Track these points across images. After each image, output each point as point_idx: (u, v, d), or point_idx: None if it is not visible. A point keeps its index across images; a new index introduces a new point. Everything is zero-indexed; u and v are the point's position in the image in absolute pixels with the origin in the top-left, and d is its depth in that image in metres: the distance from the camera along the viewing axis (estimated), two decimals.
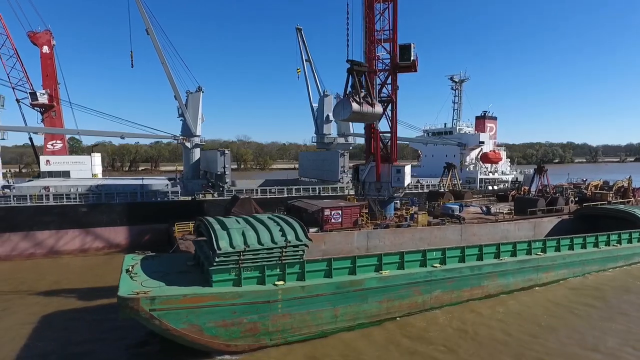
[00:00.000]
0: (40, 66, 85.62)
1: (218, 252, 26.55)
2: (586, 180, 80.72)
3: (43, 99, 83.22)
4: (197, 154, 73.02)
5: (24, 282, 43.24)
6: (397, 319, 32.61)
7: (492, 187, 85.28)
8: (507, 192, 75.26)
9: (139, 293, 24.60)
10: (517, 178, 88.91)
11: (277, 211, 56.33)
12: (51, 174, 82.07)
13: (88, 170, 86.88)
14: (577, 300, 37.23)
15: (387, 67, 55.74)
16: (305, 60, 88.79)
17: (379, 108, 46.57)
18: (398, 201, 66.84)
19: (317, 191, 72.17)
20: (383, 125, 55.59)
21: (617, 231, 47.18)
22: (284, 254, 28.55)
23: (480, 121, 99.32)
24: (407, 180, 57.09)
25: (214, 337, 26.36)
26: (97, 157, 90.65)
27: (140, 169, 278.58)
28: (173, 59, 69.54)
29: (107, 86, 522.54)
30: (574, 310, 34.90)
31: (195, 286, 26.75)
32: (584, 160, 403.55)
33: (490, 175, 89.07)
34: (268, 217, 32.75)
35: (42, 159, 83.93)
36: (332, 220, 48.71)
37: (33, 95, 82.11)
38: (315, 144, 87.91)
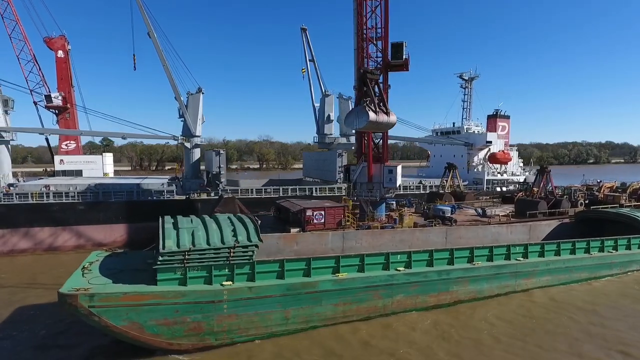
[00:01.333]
0: (55, 70, 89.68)
1: (162, 251, 26.85)
2: (600, 181, 76.38)
3: (57, 101, 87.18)
4: (197, 154, 74.34)
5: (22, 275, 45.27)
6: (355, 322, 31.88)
7: (501, 189, 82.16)
8: (514, 194, 72.28)
9: (78, 290, 25.19)
10: (526, 179, 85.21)
11: (270, 210, 56.72)
12: (65, 173, 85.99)
13: (99, 169, 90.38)
14: (548, 312, 34.76)
15: (378, 66, 54.71)
16: (309, 60, 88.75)
17: (393, 117, 45.41)
18: (394, 202, 65.71)
19: (313, 191, 71.85)
20: None
21: (613, 236, 44.37)
22: (232, 254, 28.51)
23: (492, 120, 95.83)
24: (399, 180, 55.96)
25: (156, 335, 26.63)
26: (108, 157, 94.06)
27: (166, 168, 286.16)
28: (174, 60, 71.21)
29: (107, 87, 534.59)
30: (537, 323, 32.49)
31: (141, 284, 27.11)
32: (622, 160, 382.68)
33: (499, 176, 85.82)
34: (226, 218, 32.88)
35: (57, 158, 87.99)
36: (315, 221, 48.27)
37: (48, 98, 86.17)
38: (317, 143, 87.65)
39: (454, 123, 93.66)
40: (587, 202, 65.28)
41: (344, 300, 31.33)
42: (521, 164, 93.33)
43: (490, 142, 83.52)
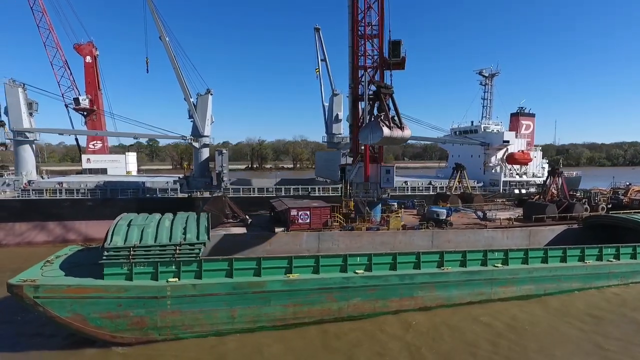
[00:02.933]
0: (83, 74, 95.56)
1: (106, 246, 27.83)
2: (630, 184, 70.12)
3: (85, 104, 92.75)
4: (205, 153, 76.20)
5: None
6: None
7: (520, 191, 77.60)
8: (530, 196, 68.08)
9: (26, 281, 26.62)
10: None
11: (268, 209, 57.09)
12: (91, 171, 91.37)
13: (123, 167, 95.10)
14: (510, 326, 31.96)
15: (375, 64, 53.46)
16: (321, 60, 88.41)
17: (408, 131, 44.73)
18: (395, 203, 63.98)
19: (316, 191, 71.54)
20: None
21: (614, 244, 40.58)
22: (177, 252, 28.97)
23: (515, 118, 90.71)
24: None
25: (99, 327, 27.59)
26: (131, 156, 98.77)
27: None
28: (184, 62, 73.54)
29: (117, 87, 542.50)
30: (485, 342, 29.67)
31: (89, 278, 28.19)
32: None
33: (517, 178, 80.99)
34: (184, 216, 33.47)
35: (84, 157, 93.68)
36: (300, 221, 47.96)
37: (76, 100, 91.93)
38: (325, 143, 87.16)
39: (472, 122, 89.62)
40: (609, 206, 60.23)
41: (294, 301, 30.88)
42: (545, 165, 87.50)
43: (508, 141, 78.92)
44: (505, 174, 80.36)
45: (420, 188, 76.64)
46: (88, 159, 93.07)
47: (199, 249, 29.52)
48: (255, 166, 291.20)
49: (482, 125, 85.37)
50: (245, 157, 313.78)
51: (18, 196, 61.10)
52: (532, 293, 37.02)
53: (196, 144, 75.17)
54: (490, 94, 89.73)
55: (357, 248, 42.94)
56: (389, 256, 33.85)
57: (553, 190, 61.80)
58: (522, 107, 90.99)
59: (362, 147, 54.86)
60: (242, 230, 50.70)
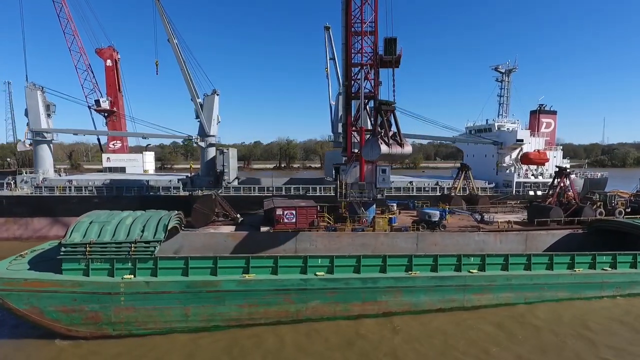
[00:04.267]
0: (104, 77, 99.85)
1: (63, 242, 28.75)
2: None
3: (105, 105, 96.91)
4: (211, 152, 77.46)
5: None
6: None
7: (535, 193, 73.37)
8: (544, 198, 64.15)
9: None
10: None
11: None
12: (111, 170, 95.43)
13: (140, 166, 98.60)
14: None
15: (369, 61, 52.30)
16: (330, 59, 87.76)
17: (408, 148, 44.74)
18: (395, 203, 62.39)
19: (320, 191, 71.01)
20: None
21: (611, 251, 37.42)
22: (133, 249, 29.48)
23: (534, 116, 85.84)
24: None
25: (55, 320, 28.53)
26: (148, 155, 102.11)
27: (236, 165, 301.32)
28: (192, 64, 75.08)
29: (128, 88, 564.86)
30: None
31: (49, 272, 29.22)
32: None
33: (533, 179, 76.50)
34: (148, 214, 34.04)
35: (104, 156, 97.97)
36: (285, 220, 47.88)
37: (97, 102, 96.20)
38: (331, 142, 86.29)
39: (486, 120, 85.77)
40: (628, 210, 55.80)
41: (249, 302, 30.63)
42: (566, 165, 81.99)
43: (521, 140, 74.69)
44: (519, 174, 76.22)
45: (427, 188, 74.24)
46: (108, 158, 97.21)
47: (154, 247, 29.89)
48: (283, 165, 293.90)
49: (496, 124, 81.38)
50: (275, 156, 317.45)
51: (32, 193, 64.67)
52: (511, 302, 34.73)
53: (202, 144, 76.56)
54: (507, 90, 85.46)
55: (335, 249, 42.26)
56: (352, 259, 32.86)
57: (569, 193, 58.03)
58: (542, 105, 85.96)
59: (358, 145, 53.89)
60: (231, 228, 51.19)
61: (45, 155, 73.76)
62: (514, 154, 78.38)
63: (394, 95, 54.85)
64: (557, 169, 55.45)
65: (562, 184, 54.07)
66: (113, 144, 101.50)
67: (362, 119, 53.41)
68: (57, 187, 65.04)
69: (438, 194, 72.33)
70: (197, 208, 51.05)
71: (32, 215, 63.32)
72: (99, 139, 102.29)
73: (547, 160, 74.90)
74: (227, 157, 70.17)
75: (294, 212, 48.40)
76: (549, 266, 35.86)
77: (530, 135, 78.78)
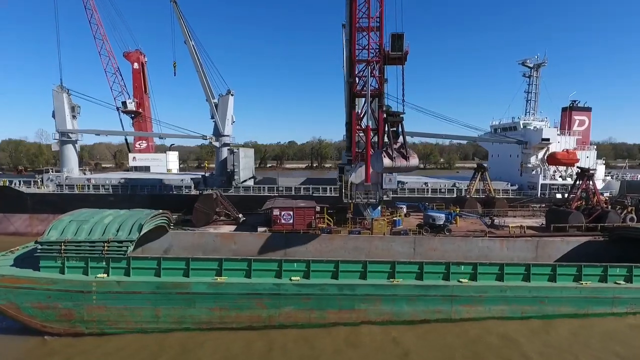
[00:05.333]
0: (131, 79, 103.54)
1: (40, 240, 29.39)
2: None
3: (131, 107, 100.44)
4: (225, 152, 78.10)
5: None
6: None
7: (563, 196, 68.02)
8: (567, 202, 59.34)
9: None
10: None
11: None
12: (136, 169, 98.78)
13: (164, 166, 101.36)
14: None
15: (375, 58, 50.50)
16: (347, 57, 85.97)
17: (414, 160, 43.67)
18: (404, 205, 60.05)
19: (328, 191, 69.71)
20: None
21: (627, 264, 33.52)
22: (105, 248, 29.66)
23: (566, 113, 79.77)
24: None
25: (31, 316, 29.23)
26: (172, 155, 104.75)
27: (268, 165, 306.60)
28: (208, 65, 76.08)
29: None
30: None
31: (29, 269, 29.99)
32: None
33: (560, 181, 70.97)
34: (128, 213, 34.22)
35: (130, 156, 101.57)
36: (282, 221, 47.26)
37: (124, 104, 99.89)
38: (345, 141, 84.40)
39: (512, 118, 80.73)
40: None
41: (220, 305, 30.00)
42: (600, 166, 75.64)
43: (547, 139, 69.40)
44: (545, 176, 71.05)
45: (442, 190, 70.96)
46: (134, 158, 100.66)
47: (127, 247, 29.91)
48: (315, 165, 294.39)
49: (521, 122, 76.32)
50: (308, 156, 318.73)
51: (54, 191, 67.87)
52: (505, 315, 31.85)
53: (217, 144, 77.37)
54: (535, 86, 80.00)
55: (327, 252, 40.91)
56: (330, 263, 31.40)
57: (601, 197, 53.36)
58: (574, 101, 79.80)
59: (363, 145, 52.20)
60: (232, 228, 51.08)
61: (71, 154, 77.28)
62: (540, 154, 73.18)
63: (402, 94, 52.79)
64: (578, 170, 50.85)
65: (583, 187, 49.55)
66: (139, 144, 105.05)
67: (368, 117, 51.55)
68: (76, 186, 67.86)
69: (455, 195, 68.90)
70: (197, 207, 51.29)
71: (53, 212, 66.25)
72: (126, 139, 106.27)
73: (577, 160, 69.22)
74: (238, 157, 70.40)
75: (291, 212, 47.57)
76: (552, 277, 32.60)
77: (560, 133, 73.27)
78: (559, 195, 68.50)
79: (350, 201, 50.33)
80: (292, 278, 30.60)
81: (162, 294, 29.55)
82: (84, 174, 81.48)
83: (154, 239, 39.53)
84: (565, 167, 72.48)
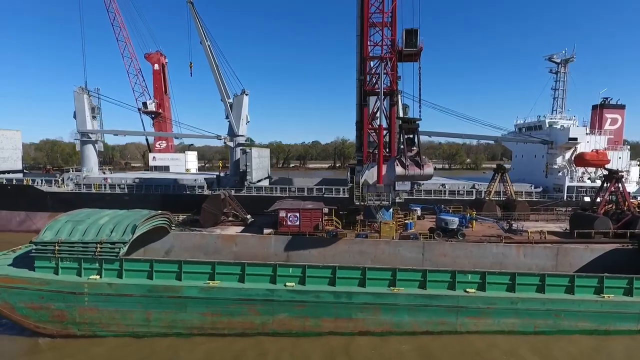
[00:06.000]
0: (152, 80, 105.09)
1: (34, 240, 29.29)
2: None
3: (152, 107, 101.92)
4: (239, 152, 77.74)
5: None
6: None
7: (592, 199, 63.70)
8: (593, 206, 55.16)
9: None
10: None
11: None
12: (156, 168, 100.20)
13: (183, 165, 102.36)
14: None
15: (388, 54, 48.73)
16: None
17: (428, 169, 42.52)
18: (418, 208, 57.77)
19: (342, 192, 68.09)
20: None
21: None
22: (98, 249, 29.27)
23: (596, 111, 74.87)
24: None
25: (25, 316, 29.16)
26: (191, 155, 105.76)
27: (291, 165, 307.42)
28: (223, 65, 75.98)
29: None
30: None
31: (24, 269, 29.97)
32: None
33: (589, 183, 66.49)
34: (125, 214, 33.82)
35: (150, 155, 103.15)
36: (289, 223, 46.13)
37: (144, 104, 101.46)
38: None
39: (538, 116, 76.47)
40: None
41: (212, 310, 29.06)
42: (633, 167, 70.53)
43: (575, 139, 65.08)
44: (572, 178, 66.82)
45: (461, 192, 67.98)
46: (154, 158, 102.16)
47: (120, 248, 29.40)
48: (337, 165, 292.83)
49: (547, 120, 72.10)
50: (331, 156, 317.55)
51: (72, 190, 69.30)
52: (516, 329, 29.42)
53: (231, 144, 77.13)
54: (563, 83, 75.52)
55: (331, 256, 39.48)
56: (327, 269, 29.89)
57: (633, 201, 49.45)
58: (606, 98, 74.82)
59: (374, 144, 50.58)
60: (239, 229, 50.36)
61: (91, 154, 78.95)
62: (567, 155, 68.93)
63: (419, 93, 50.87)
64: (606, 172, 47.21)
65: (611, 190, 45.93)
66: (159, 144, 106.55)
67: (381, 116, 49.74)
68: (93, 185, 69.05)
69: (474, 198, 65.83)
70: (205, 208, 50.77)
71: (67, 210, 67.54)
72: (147, 140, 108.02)
73: (607, 161, 64.66)
74: (250, 157, 69.81)
75: (297, 214, 46.36)
76: (569, 289, 29.92)
77: (589, 132, 68.82)
78: (587, 199, 64.25)
79: (361, 203, 48.65)
80: (287, 284, 29.29)
81: (153, 297, 28.87)
82: (104, 173, 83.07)
83: (156, 240, 39.14)
84: (594, 169, 67.99)
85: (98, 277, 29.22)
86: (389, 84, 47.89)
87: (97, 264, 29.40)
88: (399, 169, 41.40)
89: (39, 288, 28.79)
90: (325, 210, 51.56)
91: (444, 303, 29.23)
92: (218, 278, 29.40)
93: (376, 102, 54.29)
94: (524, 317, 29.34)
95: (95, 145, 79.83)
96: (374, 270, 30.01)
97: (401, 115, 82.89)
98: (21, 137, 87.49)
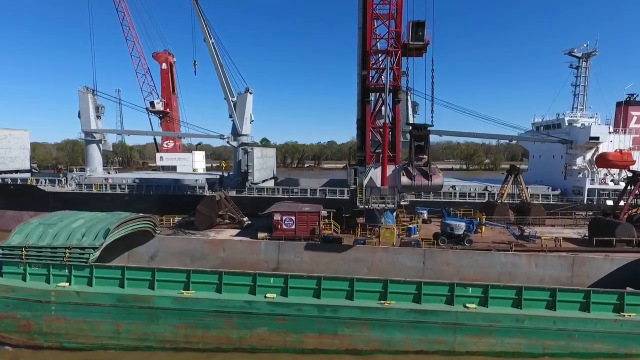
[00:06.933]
0: (160, 79, 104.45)
1: (1, 245, 27.62)
2: None
3: (159, 107, 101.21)
4: (242, 152, 75.77)
5: None
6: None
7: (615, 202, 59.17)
8: (615, 211, 50.36)
9: None
10: None
11: None
12: (163, 168, 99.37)
13: (190, 165, 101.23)
14: None
15: (393, 48, 45.79)
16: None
17: (437, 180, 41.23)
18: (425, 211, 54.58)
19: (346, 193, 65.30)
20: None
21: None
22: (67, 255, 27.43)
23: (621, 109, 69.88)
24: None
25: None
26: (198, 155, 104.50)
27: (306, 165, 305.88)
28: (228, 63, 74.18)
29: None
30: None
31: None
32: None
33: (612, 185, 61.78)
34: (102, 217, 32.00)
35: (158, 155, 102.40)
36: (284, 226, 43.91)
37: (151, 104, 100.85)
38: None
39: (557, 114, 71.88)
40: None
41: (186, 322, 26.81)
42: None
43: (597, 138, 60.46)
44: (593, 180, 62.25)
45: (472, 194, 64.25)
46: (161, 157, 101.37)
47: (90, 254, 27.49)
48: (352, 164, 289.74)
49: (566, 118, 67.56)
50: (347, 156, 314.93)
51: (74, 190, 68.54)
52: (523, 350, 26.15)
53: (234, 143, 75.20)
54: (585, 78, 70.80)
55: (324, 263, 36.94)
56: (311, 280, 27.26)
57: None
58: (631, 95, 69.73)
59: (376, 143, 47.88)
60: (234, 232, 48.31)
61: (95, 154, 78.21)
62: (588, 155, 64.31)
63: (432, 90, 47.79)
64: (630, 174, 43.15)
65: (635, 193, 41.91)
66: (166, 144, 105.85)
67: (385, 114, 46.82)
68: (94, 185, 68.11)
69: (485, 200, 62.04)
70: (199, 210, 48.86)
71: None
72: (155, 139, 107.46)
73: (633, 162, 59.90)
74: (252, 157, 67.71)
75: (293, 217, 43.98)
76: (584, 306, 26.48)
77: (613, 131, 64.12)
78: (609, 202, 59.68)
79: (365, 207, 45.76)
80: (267, 295, 26.79)
81: (123, 307, 26.82)
82: (108, 173, 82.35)
83: (141, 244, 37.28)
84: (618, 170, 63.28)
85: (67, 284, 27.36)
86: (392, 80, 44.98)
87: (66, 271, 27.54)
88: (404, 179, 40.06)
89: (5, 295, 27.13)
90: (324, 213, 48.99)
91: (441, 319, 26.21)
92: (193, 287, 27.13)
93: (378, 98, 51.35)
94: (532, 337, 26.03)
95: (100, 145, 79.03)
96: (363, 281, 27.21)
97: (410, 113, 79.75)
98: (29, 137, 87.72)
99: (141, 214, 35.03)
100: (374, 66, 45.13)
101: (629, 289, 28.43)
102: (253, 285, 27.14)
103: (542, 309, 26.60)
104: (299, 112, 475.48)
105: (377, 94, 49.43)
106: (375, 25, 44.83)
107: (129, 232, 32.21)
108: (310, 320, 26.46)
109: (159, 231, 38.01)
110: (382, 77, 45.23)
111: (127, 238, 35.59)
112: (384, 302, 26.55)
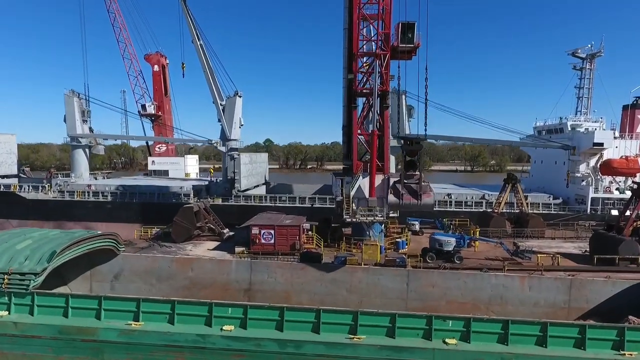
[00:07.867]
0: (152, 81, 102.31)
1: None
2: None
3: (151, 110, 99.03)
4: (229, 158, 73.22)
5: None
6: None
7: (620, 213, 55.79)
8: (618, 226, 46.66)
9: None
10: None
11: None
12: (155, 172, 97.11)
13: (182, 170, 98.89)
14: None
15: (381, 50, 42.97)
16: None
17: (428, 199, 39.62)
18: (417, 222, 51.72)
19: (334, 202, 62.45)
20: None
21: None
22: (6, 281, 24.92)
23: (628, 113, 66.31)
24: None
25: None
26: (191, 159, 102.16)
27: (308, 167, 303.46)
28: (216, 65, 71.72)
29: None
30: None
31: None
32: None
33: (617, 194, 58.33)
34: (52, 235, 29.52)
35: (149, 159, 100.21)
36: (262, 241, 41.71)
37: (143, 107, 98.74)
38: None
39: (560, 118, 68.45)
40: None
41: (134, 358, 24.18)
42: None
43: (601, 143, 56.98)
44: (597, 188, 58.85)
45: (469, 203, 61.11)
46: (153, 162, 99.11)
47: (30, 280, 24.94)
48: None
49: (569, 123, 64.15)
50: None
51: (54, 197, 66.36)
52: None
53: (222, 148, 72.71)
54: (589, 81, 67.33)
55: (299, 285, 34.29)
56: (273, 310, 24.45)
57: None
58: (639, 97, 66.17)
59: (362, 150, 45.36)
60: (213, 245, 46.03)
61: (81, 159, 76.15)
62: (592, 162, 60.89)
63: (425, 96, 44.83)
64: (635, 186, 39.94)
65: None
66: (158, 148, 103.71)
67: (374, 120, 43.99)
68: (76, 192, 65.91)
69: (482, 209, 58.94)
70: (176, 221, 46.53)
71: (47, 219, 64.43)
72: (147, 143, 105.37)
73: (639, 170, 56.54)
74: (239, 163, 65.15)
75: (272, 231, 41.56)
76: (579, 342, 23.43)
77: (618, 136, 60.71)
78: (614, 212, 56.29)
79: (351, 219, 42.96)
80: (224, 328, 24.04)
81: (65, 340, 24.26)
82: (95, 178, 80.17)
83: (104, 262, 34.78)
84: (623, 178, 59.83)
85: (6, 313, 24.83)
86: (380, 84, 42.21)
87: (5, 298, 25.03)
88: (391, 198, 38.66)
89: None
90: (307, 225, 46.32)
91: (417, 357, 23.29)
92: (143, 318, 24.46)
93: (365, 104, 48.63)
94: None
95: (86, 150, 76.94)
96: (330, 313, 24.35)
97: (405, 117, 76.60)
98: (16, 141, 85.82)
99: (99, 232, 32.53)
100: (361, 69, 42.47)
101: (631, 317, 25.43)
102: (209, 316, 24.42)
103: (532, 345, 23.55)
104: (303, 114, 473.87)
105: (364, 99, 46.89)
106: (362, 27, 42.29)
107: (83, 252, 29.65)
108: (270, 357, 23.70)
109: (122, 248, 35.42)
110: (370, 81, 42.57)
111: (90, 256, 33.21)
112: (353, 336, 23.69)
